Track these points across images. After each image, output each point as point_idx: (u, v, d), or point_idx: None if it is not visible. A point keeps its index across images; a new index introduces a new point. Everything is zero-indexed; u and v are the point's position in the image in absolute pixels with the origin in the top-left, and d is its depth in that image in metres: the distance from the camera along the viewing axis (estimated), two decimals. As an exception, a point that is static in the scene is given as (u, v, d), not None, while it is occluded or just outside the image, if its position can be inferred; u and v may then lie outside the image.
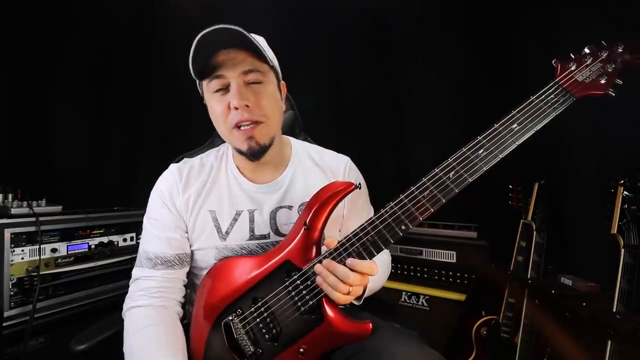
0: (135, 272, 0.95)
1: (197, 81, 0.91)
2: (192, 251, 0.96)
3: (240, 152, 0.91)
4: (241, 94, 0.84)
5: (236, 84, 0.84)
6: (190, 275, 1.01)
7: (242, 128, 0.86)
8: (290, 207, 0.98)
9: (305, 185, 0.99)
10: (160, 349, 0.81)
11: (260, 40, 0.88)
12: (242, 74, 0.85)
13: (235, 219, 0.95)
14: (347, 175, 1.04)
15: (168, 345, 0.83)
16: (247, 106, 0.84)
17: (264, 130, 0.89)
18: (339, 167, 1.05)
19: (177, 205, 0.94)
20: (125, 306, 0.92)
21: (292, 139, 1.09)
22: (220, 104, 0.86)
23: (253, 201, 0.97)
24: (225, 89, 0.86)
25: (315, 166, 1.03)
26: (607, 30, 0.86)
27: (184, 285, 0.98)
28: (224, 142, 1.08)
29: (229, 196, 0.96)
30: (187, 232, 0.95)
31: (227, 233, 0.95)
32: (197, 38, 0.80)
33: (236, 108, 0.84)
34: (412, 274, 1.92)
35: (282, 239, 0.92)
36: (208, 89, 0.88)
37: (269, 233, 0.96)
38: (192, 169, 0.98)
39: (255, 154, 0.89)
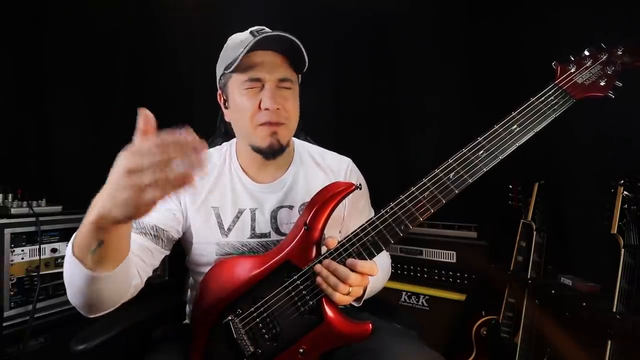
0: None
1: (222, 73, 0.94)
2: (193, 246, 0.96)
3: (257, 149, 0.92)
4: (275, 97, 0.88)
5: (270, 87, 0.88)
6: (191, 273, 1.01)
7: (268, 125, 0.88)
8: (291, 207, 0.98)
9: (306, 186, 1.00)
10: None
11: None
12: (277, 80, 0.89)
13: (237, 217, 0.96)
14: (348, 176, 1.05)
15: None
16: (277, 109, 0.88)
17: (286, 132, 0.92)
18: (340, 168, 1.05)
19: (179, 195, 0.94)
20: None
21: (294, 139, 1.09)
22: (250, 101, 0.89)
23: (255, 200, 0.97)
24: (257, 87, 0.88)
25: (317, 167, 1.04)
26: (607, 32, 0.86)
27: (187, 287, 0.98)
28: (225, 140, 1.09)
29: (232, 194, 0.97)
30: (180, 217, 0.93)
31: (229, 230, 0.95)
32: (253, 40, 0.84)
33: (267, 109, 0.87)
34: (412, 274, 1.92)
35: (283, 238, 0.92)
36: (239, 84, 0.90)
37: (270, 232, 0.97)
38: None
39: (274, 152, 0.92)
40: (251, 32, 0.92)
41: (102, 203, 0.53)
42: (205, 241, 0.95)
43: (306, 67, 0.93)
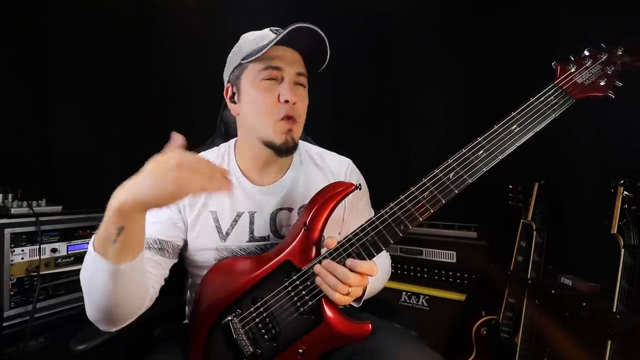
0: None
1: (237, 64, 0.92)
2: (192, 252, 0.95)
3: (271, 144, 0.89)
4: (294, 90, 0.88)
5: (289, 80, 0.88)
6: (190, 275, 1.01)
7: (287, 120, 0.88)
8: (290, 209, 0.97)
9: (306, 188, 0.99)
10: None
11: None
12: (295, 73, 0.89)
13: (235, 220, 0.95)
14: (348, 177, 1.04)
15: None
16: (294, 103, 0.87)
17: (298, 129, 0.92)
18: (340, 169, 1.04)
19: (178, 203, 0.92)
20: None
21: None
22: (267, 94, 0.88)
23: (254, 203, 0.96)
24: (276, 79, 0.88)
25: (316, 168, 1.03)
26: (607, 35, 0.86)
27: (186, 288, 0.97)
28: (224, 141, 1.08)
29: (230, 197, 0.96)
30: (179, 227, 0.92)
31: (227, 234, 0.94)
32: (288, 30, 0.83)
33: (287, 101, 0.86)
34: (412, 274, 1.92)
35: (280, 242, 0.92)
36: (257, 74, 0.88)
37: (269, 235, 0.96)
38: None
39: (289, 148, 0.90)
40: (271, 30, 0.92)
41: (136, 189, 0.62)
42: (203, 246, 0.94)
43: (323, 67, 0.93)
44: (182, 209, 0.93)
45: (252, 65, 0.89)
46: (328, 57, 0.91)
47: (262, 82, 0.88)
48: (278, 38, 0.83)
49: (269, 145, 0.90)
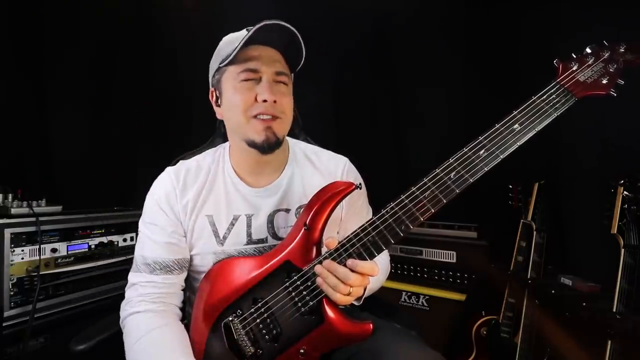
0: (131, 277, 0.94)
1: (216, 68, 0.93)
2: (190, 255, 0.95)
3: (252, 144, 0.89)
4: (272, 89, 0.87)
5: (267, 79, 0.88)
6: (189, 278, 1.00)
7: (263, 118, 0.87)
8: (287, 210, 0.97)
9: (302, 188, 0.98)
10: (173, 351, 0.82)
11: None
12: (274, 73, 0.89)
13: (232, 224, 0.94)
14: (345, 176, 1.03)
15: (179, 346, 0.84)
16: (274, 102, 0.87)
17: (281, 126, 0.91)
18: (337, 168, 1.03)
19: (175, 210, 0.92)
20: (123, 313, 0.91)
21: (288, 139, 1.07)
22: (247, 94, 0.87)
23: (250, 205, 0.96)
24: (254, 80, 0.88)
25: (312, 167, 1.02)
26: (608, 30, 0.86)
27: (186, 288, 0.98)
28: (224, 141, 1.08)
29: (226, 200, 0.95)
30: (185, 236, 0.94)
31: (225, 238, 0.94)
32: (255, 27, 0.83)
33: (265, 101, 0.86)
34: (412, 274, 1.92)
35: (280, 242, 0.91)
36: (236, 76, 0.89)
37: (267, 237, 0.96)
38: (189, 172, 0.96)
39: (271, 145, 0.89)
40: (248, 30, 0.90)
41: None
42: (201, 251, 0.94)
43: (301, 65, 0.93)
44: (177, 214, 0.93)
45: (231, 68, 0.89)
46: (303, 56, 0.90)
47: (241, 84, 0.88)
48: (245, 39, 0.84)
49: (251, 144, 0.90)
